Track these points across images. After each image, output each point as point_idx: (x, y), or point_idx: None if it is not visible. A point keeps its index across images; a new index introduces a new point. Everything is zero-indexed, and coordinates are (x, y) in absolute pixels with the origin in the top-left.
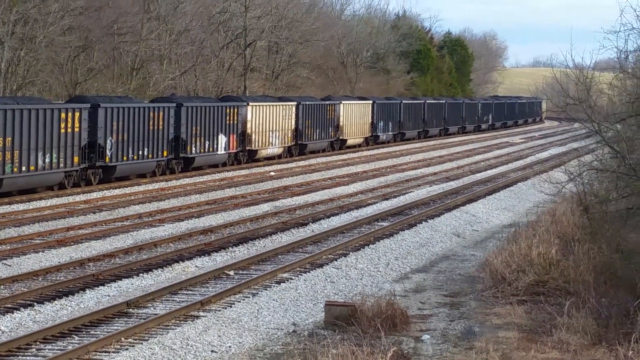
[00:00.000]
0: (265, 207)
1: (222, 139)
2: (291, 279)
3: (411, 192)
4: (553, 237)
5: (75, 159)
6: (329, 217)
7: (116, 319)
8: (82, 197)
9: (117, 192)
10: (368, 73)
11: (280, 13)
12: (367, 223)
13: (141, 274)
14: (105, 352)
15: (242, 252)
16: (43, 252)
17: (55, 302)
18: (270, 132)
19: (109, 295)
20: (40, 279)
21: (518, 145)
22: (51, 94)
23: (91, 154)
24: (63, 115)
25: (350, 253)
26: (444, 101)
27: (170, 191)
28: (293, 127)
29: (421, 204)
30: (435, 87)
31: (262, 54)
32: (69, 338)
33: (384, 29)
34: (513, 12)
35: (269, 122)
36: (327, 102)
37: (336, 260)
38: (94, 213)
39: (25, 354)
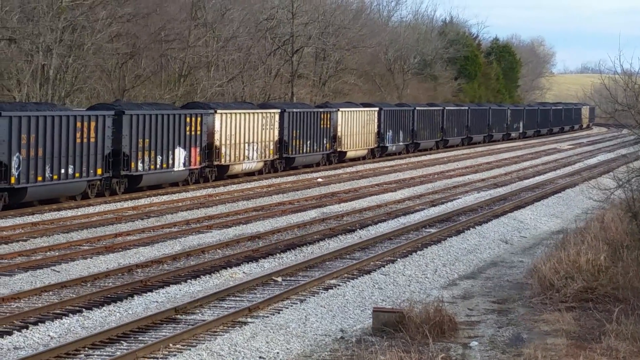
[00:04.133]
0: (312, 214)
1: (180, 153)
2: (339, 285)
3: (459, 198)
4: (602, 244)
5: None
6: (376, 223)
7: (164, 325)
8: (131, 204)
9: (164, 198)
10: (415, 79)
11: (327, 20)
12: (415, 229)
13: (189, 280)
14: (154, 358)
15: (289, 259)
16: (91, 258)
17: (104, 308)
18: (246, 145)
19: (157, 302)
20: (88, 285)
21: (566, 152)
22: (99, 101)
23: None
24: None
25: (398, 259)
26: (466, 107)
27: (217, 197)
28: (276, 138)
29: (469, 210)
30: (482, 94)
31: (309, 60)
32: (117, 344)
33: (431, 36)
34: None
35: (244, 132)
36: (320, 110)
37: (384, 266)
38: (142, 219)
39: (74, 359)
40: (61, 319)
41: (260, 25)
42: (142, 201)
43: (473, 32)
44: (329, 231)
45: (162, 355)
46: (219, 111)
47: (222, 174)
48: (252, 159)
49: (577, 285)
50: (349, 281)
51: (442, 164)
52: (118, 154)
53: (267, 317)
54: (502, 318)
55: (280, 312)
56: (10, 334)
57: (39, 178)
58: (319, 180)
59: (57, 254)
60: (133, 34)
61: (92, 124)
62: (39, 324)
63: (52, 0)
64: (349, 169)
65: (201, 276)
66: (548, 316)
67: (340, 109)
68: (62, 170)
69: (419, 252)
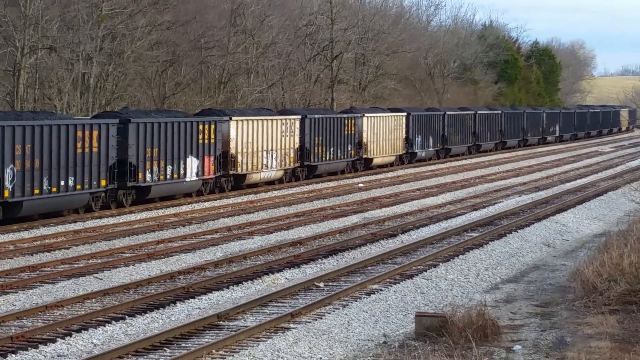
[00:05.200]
0: (354, 219)
1: (192, 163)
2: (381, 290)
3: (500, 202)
4: None
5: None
6: (418, 227)
7: (207, 331)
8: (172, 211)
9: (206, 205)
10: (455, 84)
11: (366, 25)
12: (457, 234)
13: (231, 287)
14: None
15: (331, 264)
16: (133, 265)
17: (146, 315)
18: (264, 152)
19: (199, 308)
20: (131, 292)
21: (607, 154)
22: (139, 108)
23: None
24: None
25: (440, 264)
26: (499, 111)
27: (258, 204)
28: (297, 145)
29: (510, 214)
30: (523, 97)
31: (349, 65)
32: (160, 351)
33: (471, 40)
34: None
35: (262, 140)
36: (345, 116)
37: (426, 271)
38: (184, 226)
39: None
40: (104, 326)
41: (299, 31)
42: (184, 208)
43: (513, 36)
44: (370, 236)
45: None
46: (234, 118)
47: (239, 183)
48: (271, 167)
49: (620, 288)
50: (391, 286)
51: (482, 168)
52: (124, 164)
53: (310, 322)
54: (546, 321)
55: (323, 317)
56: (53, 341)
57: (36, 191)
58: (360, 185)
59: (99, 261)
60: (173, 41)
61: (95, 133)
62: (82, 331)
63: (92, 9)
64: (389, 174)
65: (243, 282)
66: (591, 319)
67: (366, 115)
68: (62, 182)
69: (461, 256)
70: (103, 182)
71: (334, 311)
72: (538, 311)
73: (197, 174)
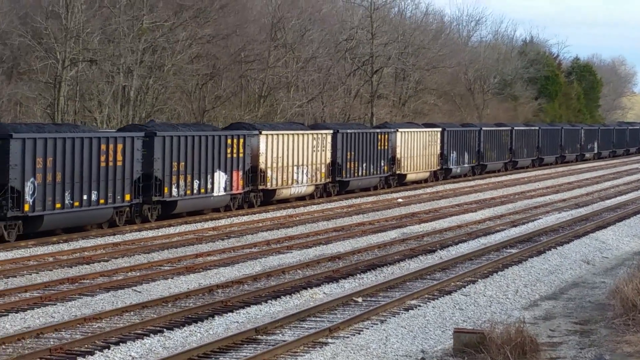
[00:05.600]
0: (392, 234)
1: (220, 177)
2: (419, 305)
3: (539, 218)
4: None
5: None
6: (456, 243)
7: (245, 345)
8: (211, 224)
9: (245, 219)
10: (495, 99)
11: (406, 40)
12: (496, 250)
13: (269, 301)
14: None
15: (369, 279)
16: (172, 278)
17: (185, 328)
18: (295, 167)
19: (237, 322)
20: (169, 305)
21: None
22: (179, 122)
23: None
24: None
25: (479, 280)
26: (536, 127)
27: (297, 218)
28: (328, 160)
29: (550, 230)
30: (563, 113)
31: (389, 80)
32: None
33: (511, 55)
34: None
35: (292, 154)
36: (378, 131)
37: (464, 287)
38: (222, 240)
39: None
40: (142, 339)
41: (339, 46)
42: (223, 222)
43: (553, 52)
44: (409, 251)
45: None
46: (264, 132)
47: (269, 198)
48: (302, 182)
49: None
50: (430, 302)
51: (521, 184)
52: (149, 179)
53: (348, 337)
54: (585, 339)
55: (361, 332)
56: (92, 354)
57: (58, 205)
58: (399, 200)
59: (138, 274)
60: (213, 55)
61: (119, 147)
62: (121, 344)
63: (132, 22)
64: (428, 190)
65: (281, 296)
66: (631, 337)
67: (400, 130)
68: (85, 197)
69: (499, 273)
70: (127, 197)
71: (372, 326)
72: (577, 329)
73: (225, 189)
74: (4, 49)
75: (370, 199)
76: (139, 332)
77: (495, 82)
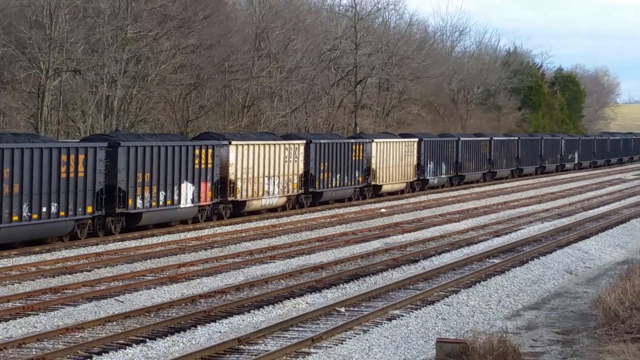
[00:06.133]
0: (375, 244)
1: (187, 189)
2: (402, 315)
3: (522, 228)
4: None
5: None
6: (439, 253)
7: (227, 355)
8: (194, 234)
9: (228, 228)
10: (479, 110)
11: (390, 50)
12: (478, 260)
13: (252, 311)
14: None
15: (352, 289)
16: (155, 288)
17: (167, 338)
18: (266, 178)
19: (220, 332)
20: (152, 315)
21: (631, 182)
22: (163, 132)
23: None
24: None
25: (462, 290)
26: (516, 138)
27: (280, 228)
28: (301, 171)
29: (532, 240)
30: (547, 124)
31: (373, 90)
32: None
33: (495, 66)
34: (625, 48)
35: (263, 165)
36: (352, 141)
37: (447, 297)
38: (205, 250)
39: None
40: (125, 349)
41: (323, 56)
42: (206, 232)
43: (537, 62)
44: (392, 261)
45: None
46: (234, 142)
47: (239, 210)
48: (273, 194)
49: None
50: (413, 312)
51: (504, 194)
52: (113, 190)
53: (331, 347)
54: (567, 349)
55: (344, 342)
56: None
57: (15, 217)
58: (382, 210)
59: (120, 284)
60: (197, 64)
61: (81, 157)
62: (103, 354)
63: (116, 32)
64: (412, 200)
65: (264, 306)
66: (613, 347)
67: (375, 140)
68: (44, 209)
69: (482, 283)
70: (89, 209)
71: (354, 336)
72: (559, 338)
73: (192, 201)
74: None
75: (354, 209)
76: (122, 342)
77: (479, 93)
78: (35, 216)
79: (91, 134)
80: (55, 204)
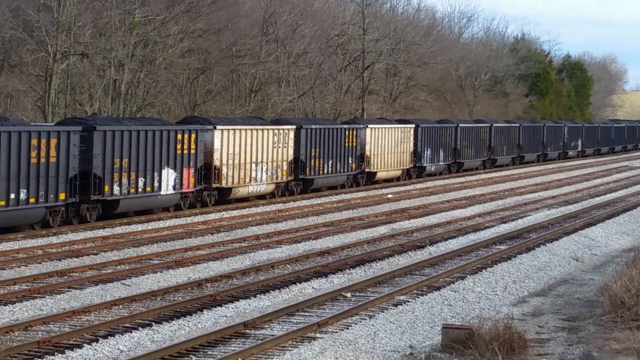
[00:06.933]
0: (382, 230)
1: (168, 175)
2: (408, 301)
3: (529, 215)
4: None
5: None
6: (446, 239)
7: (233, 339)
8: (201, 218)
9: (235, 213)
10: (486, 96)
11: (398, 36)
12: (485, 246)
13: (258, 295)
14: None
15: (359, 274)
16: (161, 272)
17: (174, 322)
18: (254, 164)
19: (226, 316)
20: (158, 299)
21: (638, 169)
22: (170, 116)
23: None
24: None
25: (468, 276)
26: (517, 124)
27: (287, 213)
28: (291, 157)
29: (539, 227)
30: (554, 111)
31: (380, 76)
32: (186, 358)
33: (503, 52)
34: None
35: (251, 151)
36: (345, 127)
37: (453, 283)
38: (212, 234)
39: None
40: (131, 332)
41: (331, 41)
42: (212, 216)
43: (545, 49)
44: (398, 247)
45: None
46: (219, 127)
47: (224, 197)
48: (261, 180)
49: None
50: (419, 297)
51: (511, 181)
52: (88, 176)
53: (336, 332)
54: (573, 336)
55: (350, 327)
56: (80, 347)
57: None
58: (389, 196)
59: (127, 267)
60: (205, 49)
61: (53, 142)
62: (109, 337)
63: (124, 16)
64: (419, 185)
65: (270, 291)
66: (619, 334)
67: (369, 126)
68: (12, 196)
69: (488, 269)
70: (62, 196)
71: (360, 322)
72: (565, 325)
73: (174, 187)
74: None
75: (360, 194)
76: (128, 325)
77: (486, 79)
78: (2, 203)
79: (67, 118)
80: (25, 190)
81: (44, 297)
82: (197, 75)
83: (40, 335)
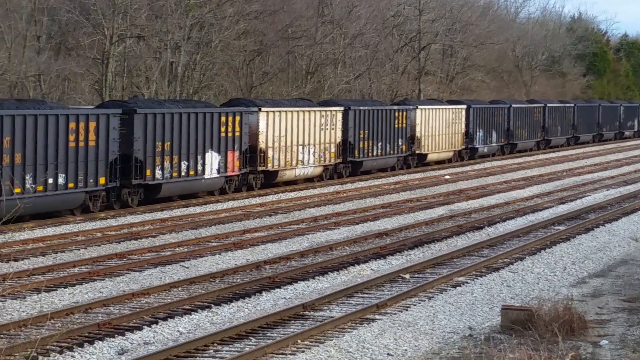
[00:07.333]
0: (440, 211)
1: (212, 158)
2: (467, 282)
3: (588, 195)
4: None
5: None
6: (504, 220)
7: (292, 321)
8: (258, 200)
9: (292, 195)
10: (543, 76)
11: (454, 16)
12: (543, 227)
13: (317, 277)
14: (282, 354)
15: (417, 256)
16: (220, 254)
17: (232, 304)
18: (300, 147)
19: (284, 298)
20: (217, 281)
21: None
22: (226, 98)
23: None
24: None
25: (527, 257)
26: (572, 105)
27: (345, 194)
28: (339, 139)
29: (598, 207)
30: (612, 90)
31: (437, 57)
32: (245, 340)
33: (560, 32)
34: None
35: (297, 133)
36: (394, 108)
37: (512, 264)
38: (270, 216)
39: (203, 355)
40: (190, 314)
41: (387, 22)
42: (270, 198)
43: (602, 28)
44: (456, 228)
45: (290, 352)
46: (264, 109)
47: (270, 180)
48: (308, 163)
49: None
50: (477, 279)
51: (570, 161)
52: (129, 160)
53: (395, 314)
54: (633, 317)
55: (408, 309)
56: (140, 329)
57: (17, 190)
58: (447, 177)
59: (185, 250)
60: (260, 31)
61: (92, 125)
62: (168, 319)
63: None
64: (476, 166)
65: (329, 273)
66: None
67: (419, 107)
68: (50, 180)
69: (547, 250)
70: (102, 180)
71: (419, 303)
72: (625, 306)
73: (218, 171)
74: (52, 25)
75: (418, 175)
76: (187, 307)
77: (543, 59)
78: (40, 188)
79: (108, 101)
80: (63, 175)
81: (103, 280)
82: (253, 57)
83: (100, 318)
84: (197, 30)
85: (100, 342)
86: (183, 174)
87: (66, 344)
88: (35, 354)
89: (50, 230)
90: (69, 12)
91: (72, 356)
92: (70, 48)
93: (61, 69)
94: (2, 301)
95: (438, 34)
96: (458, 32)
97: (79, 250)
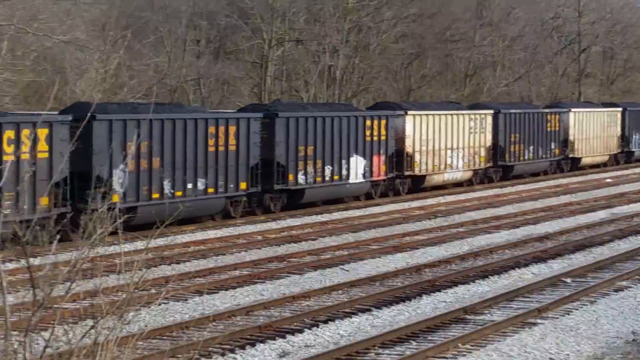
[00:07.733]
0: (601, 214)
1: (357, 162)
2: (630, 287)
3: None
4: None
5: None
6: None
7: (453, 325)
8: (418, 204)
9: (450, 199)
10: None
11: (614, 17)
12: None
13: (477, 280)
14: (443, 357)
15: (578, 260)
16: (379, 257)
17: (393, 307)
18: (449, 151)
19: (445, 301)
20: (377, 284)
21: None
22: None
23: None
24: None
25: None
26: None
27: (504, 197)
28: (489, 143)
29: None
30: None
31: (597, 59)
32: (406, 343)
33: None
34: None
35: (445, 137)
36: (546, 111)
37: None
38: (429, 219)
39: (364, 358)
40: (350, 317)
41: (546, 24)
42: (429, 201)
43: None
44: (619, 232)
45: (451, 355)
46: (410, 112)
47: (417, 185)
48: (457, 167)
49: None
50: None
51: None
52: (270, 165)
53: (557, 318)
54: None
55: (570, 313)
56: (301, 331)
57: (155, 195)
58: (608, 180)
59: (345, 253)
60: (418, 34)
61: (232, 129)
62: (329, 322)
63: (338, 2)
64: (637, 170)
65: (489, 276)
66: None
67: (572, 110)
68: (189, 186)
69: None
70: (243, 185)
71: (581, 307)
72: None
73: (364, 175)
74: (211, 29)
75: (578, 179)
76: (347, 310)
77: None
78: (179, 193)
79: (250, 104)
80: (203, 180)
81: (264, 283)
82: (411, 60)
83: (261, 320)
84: (355, 34)
85: (261, 344)
86: (327, 178)
87: (228, 346)
88: (198, 356)
89: (211, 233)
90: (227, 17)
91: (234, 358)
92: (229, 52)
93: (220, 73)
94: (165, 303)
95: (598, 36)
96: (618, 33)
97: (239, 253)
